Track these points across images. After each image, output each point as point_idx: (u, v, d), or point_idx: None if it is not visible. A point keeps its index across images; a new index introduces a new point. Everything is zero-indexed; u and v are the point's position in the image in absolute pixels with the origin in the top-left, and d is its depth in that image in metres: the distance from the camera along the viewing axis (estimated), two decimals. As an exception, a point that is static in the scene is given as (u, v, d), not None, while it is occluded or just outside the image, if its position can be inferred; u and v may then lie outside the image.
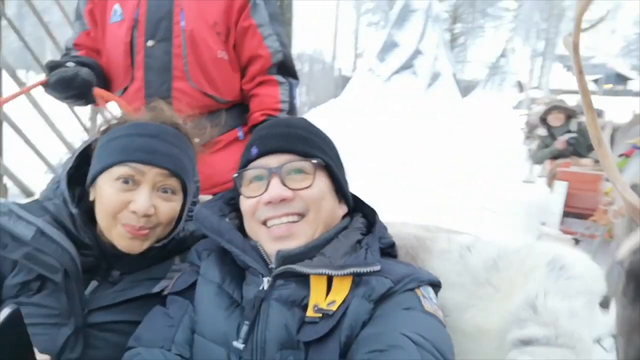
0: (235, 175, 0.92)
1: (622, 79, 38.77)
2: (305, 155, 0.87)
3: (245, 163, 0.91)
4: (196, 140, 1.04)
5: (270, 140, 0.89)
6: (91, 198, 0.95)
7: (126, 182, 0.89)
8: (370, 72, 19.19)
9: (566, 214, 3.83)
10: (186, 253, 1.01)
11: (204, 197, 1.10)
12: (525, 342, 0.74)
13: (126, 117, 1.00)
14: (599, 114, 6.15)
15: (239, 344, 0.78)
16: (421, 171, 6.38)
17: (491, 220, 4.36)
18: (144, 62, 1.43)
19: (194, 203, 1.08)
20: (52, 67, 1.26)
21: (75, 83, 1.24)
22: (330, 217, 0.88)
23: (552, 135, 4.79)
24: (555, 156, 4.64)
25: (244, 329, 0.79)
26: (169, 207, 0.93)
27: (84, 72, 1.26)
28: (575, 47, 1.17)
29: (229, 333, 0.80)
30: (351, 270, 0.77)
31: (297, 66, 1.68)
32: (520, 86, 27.48)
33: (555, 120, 4.76)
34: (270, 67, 1.51)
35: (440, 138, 9.16)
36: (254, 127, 1.52)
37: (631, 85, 37.94)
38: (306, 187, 0.85)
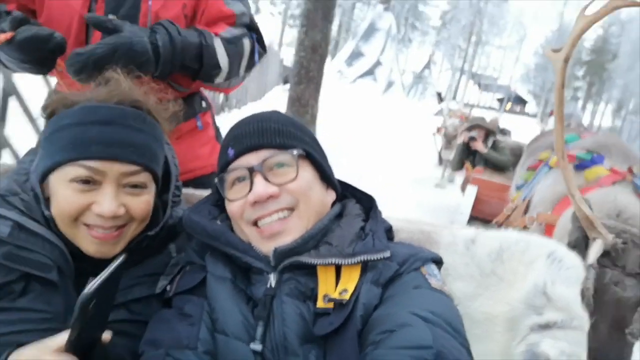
0: (216, 180, 0.86)
1: (520, 101, 43.92)
2: (284, 147, 0.83)
3: (223, 166, 0.85)
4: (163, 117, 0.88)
5: (245, 138, 0.83)
6: (46, 195, 0.79)
7: (85, 182, 0.75)
8: (339, 74, 23.17)
9: (473, 219, 3.92)
10: (179, 240, 0.93)
11: None
12: (544, 327, 0.80)
13: (73, 98, 0.81)
14: (507, 133, 6.79)
15: (256, 346, 0.74)
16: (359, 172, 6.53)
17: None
18: None
19: (177, 187, 0.96)
20: (20, 20, 0.99)
21: (50, 45, 0.99)
22: (321, 205, 0.86)
23: (469, 150, 5.21)
24: (472, 164, 5.06)
25: (259, 329, 0.75)
26: (142, 201, 0.80)
27: (59, 35, 1.01)
28: (565, 63, 1.25)
29: (251, 329, 0.75)
30: (362, 257, 0.76)
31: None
32: (439, 97, 29.76)
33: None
34: (233, 24, 1.28)
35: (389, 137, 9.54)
36: None
37: (527, 108, 43.18)
38: (291, 180, 0.81)
